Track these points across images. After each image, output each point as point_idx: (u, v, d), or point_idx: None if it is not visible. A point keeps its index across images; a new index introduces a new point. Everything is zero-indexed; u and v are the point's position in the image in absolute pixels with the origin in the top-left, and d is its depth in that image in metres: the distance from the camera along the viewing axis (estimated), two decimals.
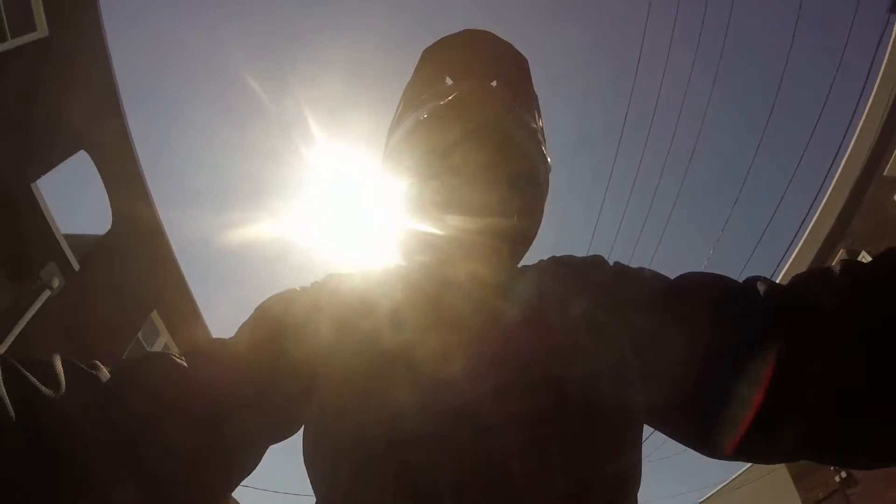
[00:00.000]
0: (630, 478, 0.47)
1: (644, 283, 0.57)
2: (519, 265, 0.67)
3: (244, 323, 0.57)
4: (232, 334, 0.58)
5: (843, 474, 8.49)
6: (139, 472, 0.40)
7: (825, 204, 8.21)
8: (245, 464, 0.51)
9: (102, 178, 7.86)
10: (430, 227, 0.59)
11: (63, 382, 0.40)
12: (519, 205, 0.61)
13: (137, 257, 8.33)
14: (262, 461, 0.54)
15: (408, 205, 0.62)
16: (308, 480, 0.52)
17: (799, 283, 0.47)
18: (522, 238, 0.65)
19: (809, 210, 8.18)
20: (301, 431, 0.55)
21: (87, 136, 7.39)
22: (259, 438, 0.52)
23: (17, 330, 5.74)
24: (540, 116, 0.71)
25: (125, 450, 0.40)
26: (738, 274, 0.70)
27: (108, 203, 8.01)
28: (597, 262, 0.63)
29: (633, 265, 0.62)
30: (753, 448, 0.47)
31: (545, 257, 0.68)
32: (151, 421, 0.42)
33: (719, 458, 0.50)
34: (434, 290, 0.58)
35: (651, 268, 0.61)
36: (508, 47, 0.73)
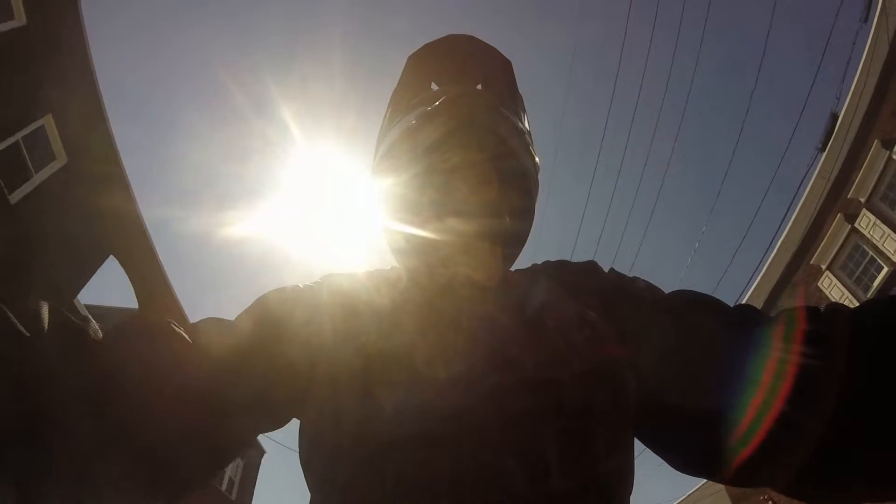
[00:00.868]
0: (623, 479, 0.48)
1: (638, 292, 0.57)
2: (513, 268, 0.66)
3: (242, 316, 0.56)
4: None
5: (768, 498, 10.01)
6: (119, 454, 0.41)
7: (756, 286, 9.45)
8: (230, 457, 0.51)
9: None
10: (418, 229, 0.59)
11: (48, 327, 0.40)
12: (509, 204, 0.60)
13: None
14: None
15: (396, 206, 0.61)
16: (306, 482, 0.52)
17: (784, 316, 0.47)
18: (515, 238, 0.63)
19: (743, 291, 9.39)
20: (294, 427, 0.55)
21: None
22: (249, 435, 0.53)
23: None
24: (526, 117, 0.71)
25: (108, 431, 0.40)
26: None
27: None
28: (591, 267, 0.63)
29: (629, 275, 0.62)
30: (725, 469, 0.46)
31: (538, 262, 0.67)
32: (141, 412, 0.42)
33: (690, 474, 0.51)
34: (426, 292, 0.58)
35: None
36: (492, 51, 0.73)
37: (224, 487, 13.42)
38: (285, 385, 0.52)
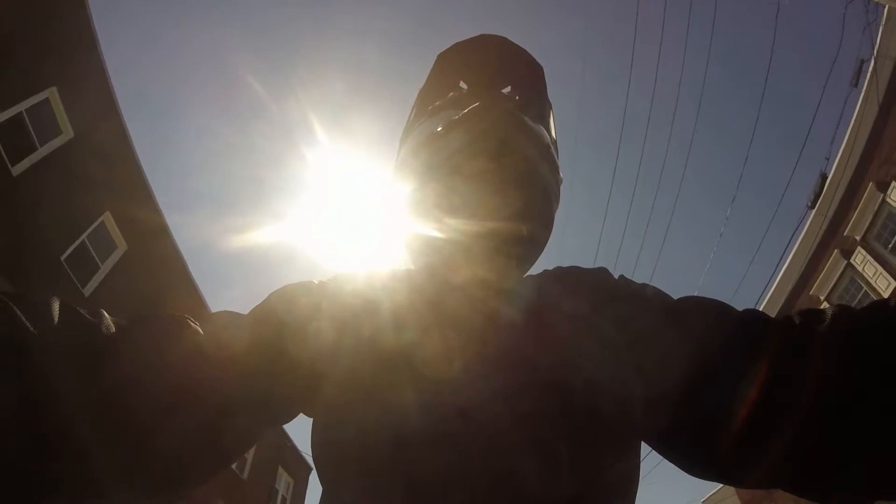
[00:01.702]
0: (630, 480, 0.49)
1: (647, 298, 0.58)
2: (527, 274, 0.66)
3: (253, 311, 0.56)
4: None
5: None
6: (122, 452, 0.40)
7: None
8: (235, 454, 0.51)
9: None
10: (432, 230, 0.59)
11: (55, 324, 0.40)
12: (520, 208, 0.59)
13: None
14: None
15: (412, 208, 0.62)
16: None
17: (792, 318, 0.47)
18: (528, 242, 0.62)
19: None
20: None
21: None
22: (254, 436, 0.53)
23: None
24: (554, 125, 0.71)
25: (112, 429, 0.40)
26: None
27: None
28: (601, 273, 0.63)
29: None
30: (732, 470, 0.47)
31: (550, 267, 0.67)
32: (148, 411, 0.42)
33: (702, 478, 0.51)
34: (436, 292, 0.58)
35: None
36: (524, 54, 0.73)
37: None
38: (289, 382, 0.52)
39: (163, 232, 9.63)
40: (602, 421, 0.45)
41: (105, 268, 8.40)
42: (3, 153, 6.78)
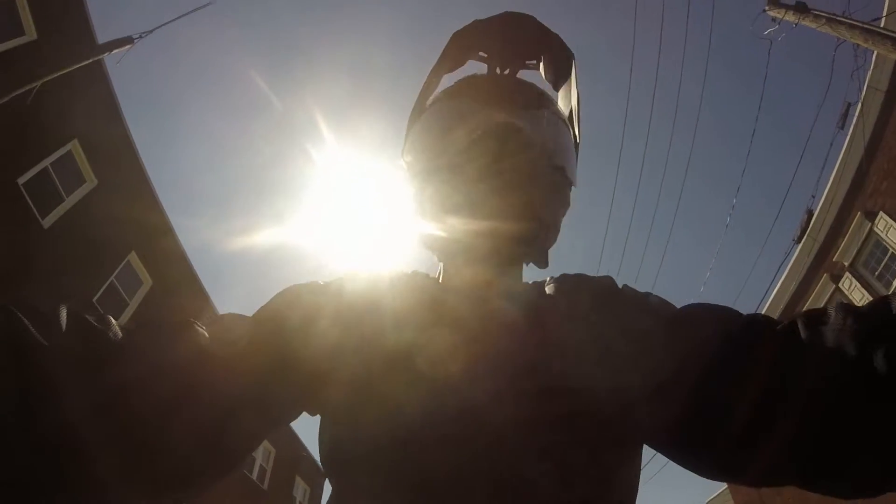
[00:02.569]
0: (633, 486, 0.50)
1: (651, 307, 0.57)
2: (533, 280, 0.66)
3: (258, 312, 0.57)
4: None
5: None
6: (127, 453, 0.40)
7: None
8: (240, 456, 0.51)
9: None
10: (434, 230, 0.59)
11: (61, 327, 0.40)
12: (521, 208, 0.58)
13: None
14: None
15: (415, 208, 0.62)
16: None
17: (797, 321, 0.47)
18: (528, 243, 0.61)
19: None
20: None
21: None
22: (259, 435, 0.52)
23: None
24: (578, 120, 0.68)
25: (117, 430, 0.39)
26: None
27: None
28: (607, 282, 0.63)
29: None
30: (738, 468, 0.47)
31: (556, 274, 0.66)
32: (154, 415, 0.41)
33: (708, 478, 0.51)
34: (439, 292, 0.59)
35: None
36: (555, 37, 0.70)
37: None
38: (293, 382, 0.52)
39: (182, 259, 10.13)
40: (604, 425, 0.46)
41: (133, 303, 8.93)
42: (33, 207, 7.24)
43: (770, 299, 10.12)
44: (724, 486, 12.77)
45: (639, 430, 0.51)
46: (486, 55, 0.72)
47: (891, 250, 8.48)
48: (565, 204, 0.65)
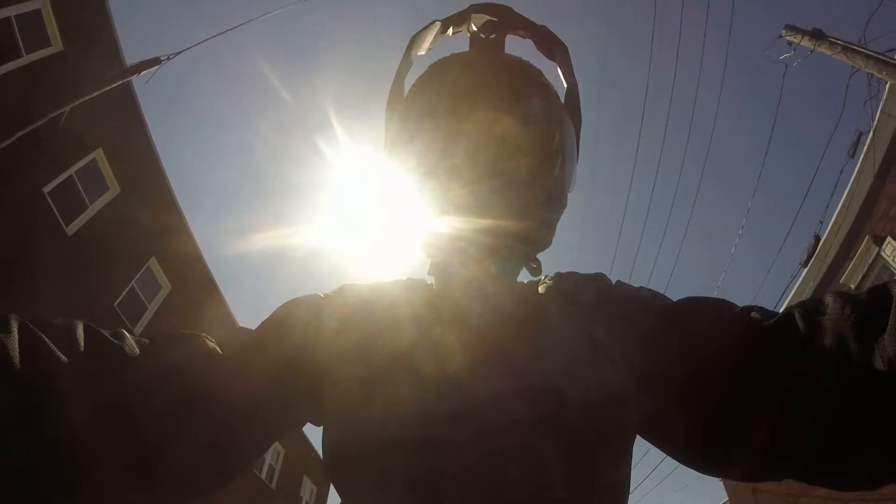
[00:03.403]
0: (621, 489, 0.49)
1: (644, 302, 0.57)
2: (527, 280, 0.65)
3: (261, 325, 0.58)
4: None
5: None
6: (139, 457, 0.41)
7: None
8: (247, 461, 0.52)
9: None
10: (433, 229, 0.58)
11: (81, 348, 0.40)
12: (520, 209, 0.57)
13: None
14: None
15: (414, 208, 0.60)
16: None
17: (794, 312, 0.46)
18: (526, 243, 0.61)
19: None
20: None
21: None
22: (266, 441, 0.54)
23: None
24: (578, 117, 0.66)
25: (130, 434, 0.40)
26: None
27: None
28: (599, 278, 0.63)
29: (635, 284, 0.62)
30: (738, 465, 0.47)
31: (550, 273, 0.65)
32: (169, 420, 0.43)
33: (706, 473, 0.51)
34: (436, 294, 0.60)
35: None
36: (542, 27, 0.68)
37: None
38: (297, 389, 0.53)
39: (200, 264, 10.31)
40: (597, 429, 0.46)
41: (152, 308, 9.12)
42: (57, 214, 7.40)
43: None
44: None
45: (630, 434, 0.51)
46: (476, 28, 0.68)
47: None
48: (563, 205, 0.65)
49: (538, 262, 0.64)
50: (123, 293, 8.50)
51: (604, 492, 0.47)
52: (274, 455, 13.64)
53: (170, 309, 9.37)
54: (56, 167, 7.42)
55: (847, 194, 8.71)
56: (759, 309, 0.50)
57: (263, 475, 12.79)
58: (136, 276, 8.78)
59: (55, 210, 7.34)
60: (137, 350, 0.45)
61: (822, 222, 8.96)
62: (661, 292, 0.60)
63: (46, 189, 7.27)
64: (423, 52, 0.68)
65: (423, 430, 0.45)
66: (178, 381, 0.45)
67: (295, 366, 0.53)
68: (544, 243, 0.64)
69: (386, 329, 0.55)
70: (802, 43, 7.81)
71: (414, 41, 0.67)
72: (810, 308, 0.45)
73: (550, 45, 0.68)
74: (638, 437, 0.54)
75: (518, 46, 0.69)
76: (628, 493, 0.51)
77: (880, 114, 7.74)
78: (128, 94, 8.43)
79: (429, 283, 0.65)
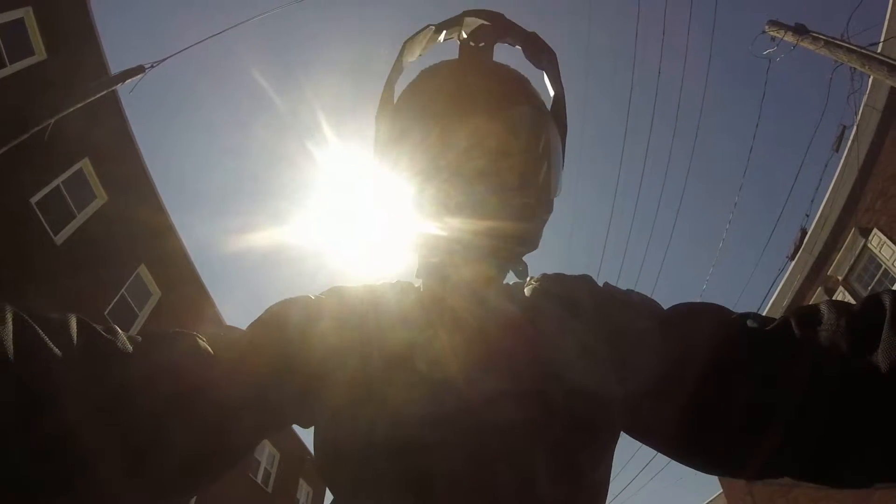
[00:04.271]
0: (602, 488, 0.51)
1: (634, 304, 0.58)
2: (512, 282, 0.65)
3: (251, 325, 0.57)
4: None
5: None
6: (130, 455, 0.41)
7: None
8: (239, 458, 0.52)
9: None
10: (432, 230, 0.58)
11: (74, 341, 0.40)
12: (519, 209, 0.57)
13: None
14: None
15: (412, 208, 0.59)
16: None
17: (790, 319, 0.47)
18: (524, 243, 0.61)
19: None
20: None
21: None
22: (255, 439, 0.54)
23: None
24: (563, 124, 0.66)
25: (122, 432, 0.40)
26: None
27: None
28: (586, 281, 0.63)
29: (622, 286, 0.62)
30: (734, 464, 0.48)
31: (536, 275, 0.66)
32: (160, 417, 0.43)
33: (710, 473, 0.52)
34: (434, 294, 0.60)
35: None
36: (534, 36, 0.67)
37: None
38: (293, 383, 0.53)
39: (189, 271, 10.29)
40: (582, 430, 0.47)
41: (143, 315, 9.11)
42: (45, 224, 7.39)
43: (765, 312, 10.34)
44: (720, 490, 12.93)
45: (617, 431, 0.53)
46: (466, 36, 0.68)
47: (884, 266, 8.69)
48: (549, 210, 0.64)
49: (524, 265, 0.64)
50: (114, 301, 8.51)
51: (587, 489, 0.49)
52: (269, 459, 13.64)
53: (160, 315, 9.36)
54: (43, 177, 7.40)
55: (832, 187, 8.78)
56: (756, 315, 0.51)
57: (259, 479, 12.81)
58: (126, 284, 8.78)
59: (43, 220, 7.32)
60: (130, 347, 0.45)
61: (808, 216, 9.04)
62: (649, 293, 0.61)
63: (34, 199, 7.25)
64: (413, 59, 0.69)
65: (414, 431, 0.46)
66: (169, 380, 0.45)
67: (286, 367, 0.54)
68: (535, 245, 0.64)
69: (377, 331, 0.56)
70: (786, 38, 7.85)
71: (406, 46, 0.67)
72: (806, 316, 0.46)
73: (539, 52, 0.68)
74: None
75: (506, 56, 0.70)
76: (607, 491, 0.53)
77: (864, 107, 7.80)
78: (113, 103, 8.41)
79: (416, 285, 0.65)
